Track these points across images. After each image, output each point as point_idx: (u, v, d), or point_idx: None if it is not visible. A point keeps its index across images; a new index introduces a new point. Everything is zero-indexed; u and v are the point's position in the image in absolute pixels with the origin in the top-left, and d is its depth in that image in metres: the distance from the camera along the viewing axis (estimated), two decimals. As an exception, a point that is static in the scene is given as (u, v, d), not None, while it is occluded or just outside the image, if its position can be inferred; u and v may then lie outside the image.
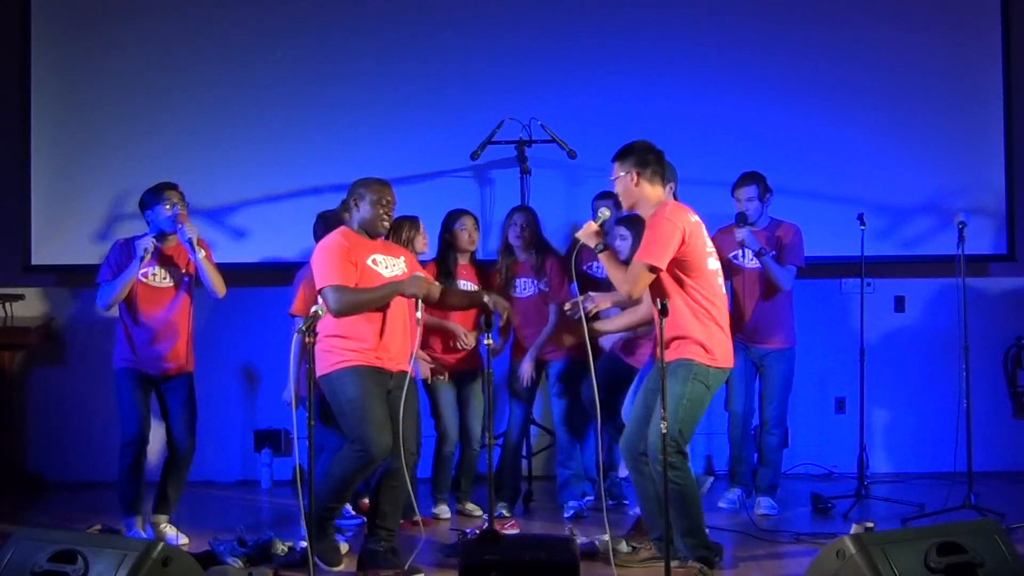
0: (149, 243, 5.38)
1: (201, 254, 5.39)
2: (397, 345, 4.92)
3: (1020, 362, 6.14)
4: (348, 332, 4.83)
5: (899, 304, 6.96)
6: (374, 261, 4.91)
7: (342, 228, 5.02)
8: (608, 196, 6.11)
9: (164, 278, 5.48)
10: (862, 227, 6.01)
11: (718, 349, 4.84)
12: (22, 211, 6.70)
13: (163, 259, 5.48)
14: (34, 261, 6.69)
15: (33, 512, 6.18)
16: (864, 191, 6.64)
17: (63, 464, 6.71)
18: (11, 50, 6.75)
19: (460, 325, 5.85)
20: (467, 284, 5.93)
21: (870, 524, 4.18)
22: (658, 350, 4.58)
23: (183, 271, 5.52)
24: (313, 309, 4.51)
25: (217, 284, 5.46)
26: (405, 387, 4.88)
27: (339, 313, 4.76)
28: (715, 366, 4.83)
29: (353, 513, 5.77)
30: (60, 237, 6.63)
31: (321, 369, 4.86)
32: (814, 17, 6.77)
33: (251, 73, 6.71)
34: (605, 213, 4.99)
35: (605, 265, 4.94)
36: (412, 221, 5.74)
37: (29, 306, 6.79)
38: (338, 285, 4.75)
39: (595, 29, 6.73)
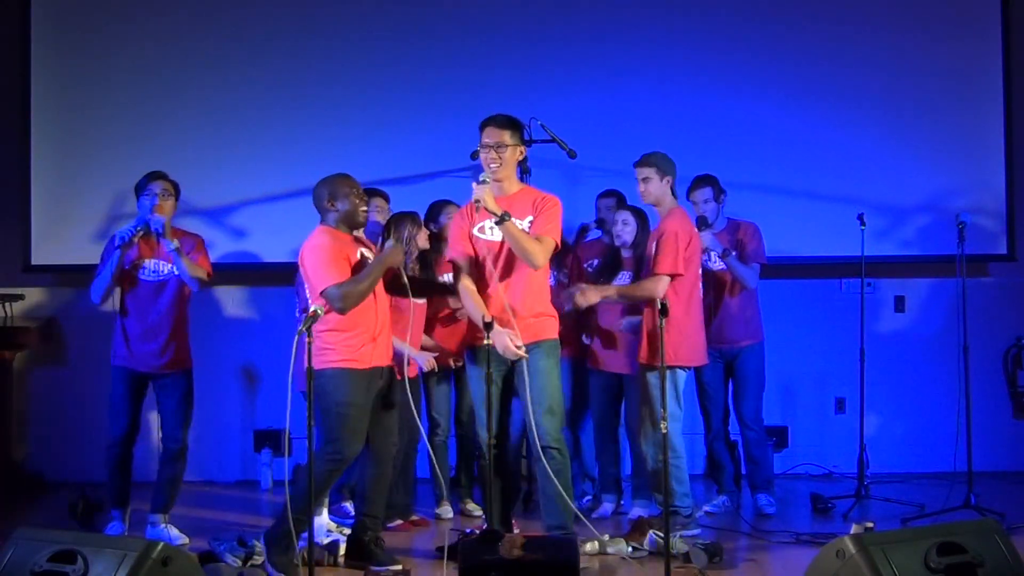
0: (127, 232, 5.28)
1: (174, 243, 5.28)
2: (386, 335, 4.89)
3: (1020, 362, 6.13)
4: (346, 326, 4.77)
5: (899, 304, 6.96)
6: (361, 253, 4.86)
7: (323, 227, 4.88)
8: (611, 195, 6.11)
9: (155, 271, 5.40)
10: (862, 227, 6.01)
11: None
12: (22, 211, 6.71)
13: (156, 252, 5.39)
14: (34, 261, 6.71)
15: (33, 512, 6.18)
16: (864, 191, 6.65)
17: (63, 464, 6.72)
18: (11, 50, 6.77)
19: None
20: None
21: (870, 524, 4.16)
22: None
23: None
24: (312, 309, 4.50)
25: (194, 273, 5.34)
26: (388, 381, 4.91)
27: (346, 309, 4.68)
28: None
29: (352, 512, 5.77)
30: (60, 237, 6.64)
31: (318, 364, 4.70)
32: (814, 18, 6.78)
33: (251, 73, 6.73)
34: (488, 178, 4.82)
35: (509, 236, 4.78)
36: (413, 218, 5.69)
37: (29, 306, 6.80)
38: (339, 283, 4.69)
39: (595, 29, 6.74)
